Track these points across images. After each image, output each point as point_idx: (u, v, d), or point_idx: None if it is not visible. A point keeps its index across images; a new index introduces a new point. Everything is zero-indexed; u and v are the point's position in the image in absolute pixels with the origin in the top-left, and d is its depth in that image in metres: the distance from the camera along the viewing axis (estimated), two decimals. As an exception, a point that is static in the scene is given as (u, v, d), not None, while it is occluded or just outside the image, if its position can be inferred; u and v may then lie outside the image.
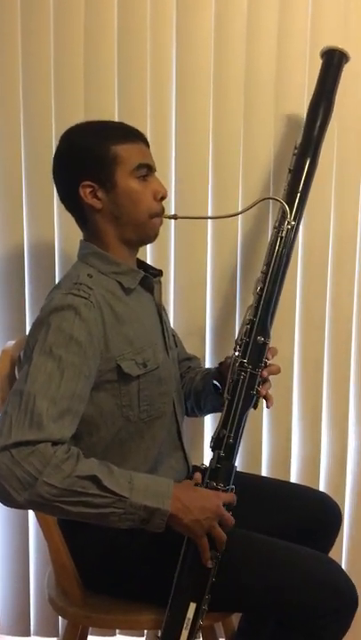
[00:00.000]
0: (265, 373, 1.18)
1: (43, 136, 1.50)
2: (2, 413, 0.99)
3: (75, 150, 1.14)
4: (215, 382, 1.29)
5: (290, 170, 1.34)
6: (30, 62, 1.49)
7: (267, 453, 1.64)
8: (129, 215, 1.14)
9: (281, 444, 1.63)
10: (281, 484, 1.44)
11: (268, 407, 1.19)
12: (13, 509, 0.98)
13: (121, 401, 1.11)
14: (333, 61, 1.39)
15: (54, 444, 0.95)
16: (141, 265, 1.25)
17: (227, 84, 1.51)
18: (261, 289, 1.20)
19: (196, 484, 1.11)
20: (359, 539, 1.66)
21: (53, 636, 1.65)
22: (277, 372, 1.21)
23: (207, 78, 1.51)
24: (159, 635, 1.08)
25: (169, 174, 1.52)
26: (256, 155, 1.53)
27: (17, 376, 1.18)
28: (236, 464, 1.15)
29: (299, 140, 1.36)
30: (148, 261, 1.52)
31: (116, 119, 1.48)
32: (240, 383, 1.15)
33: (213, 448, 1.14)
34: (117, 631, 1.65)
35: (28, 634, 1.66)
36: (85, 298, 1.06)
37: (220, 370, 1.28)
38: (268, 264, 1.22)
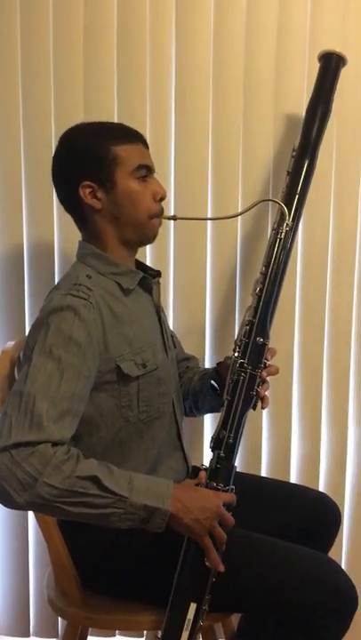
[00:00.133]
0: (264, 374, 1.18)
1: (42, 136, 1.50)
2: (2, 414, 0.99)
3: (75, 151, 1.15)
4: (213, 383, 1.29)
5: (288, 172, 1.34)
6: (30, 62, 1.49)
7: (266, 453, 1.64)
8: (128, 216, 1.14)
9: (280, 444, 1.63)
10: (280, 485, 1.44)
11: (263, 408, 1.19)
12: (13, 510, 0.98)
13: (120, 401, 1.11)
14: (331, 65, 1.39)
15: (54, 444, 0.95)
16: (140, 266, 1.25)
17: (226, 83, 1.51)
18: (261, 290, 1.20)
19: (199, 484, 1.11)
20: (359, 539, 1.66)
21: (53, 637, 1.65)
22: (276, 372, 1.21)
23: (207, 78, 1.51)
24: (159, 635, 1.08)
25: (168, 175, 1.52)
26: (256, 155, 1.53)
27: (16, 377, 1.18)
28: (236, 464, 1.15)
29: (297, 143, 1.36)
30: (148, 262, 1.53)
31: (116, 119, 1.48)
32: (240, 384, 1.15)
33: (213, 448, 1.14)
34: (117, 632, 1.65)
35: (27, 634, 1.66)
36: (85, 299, 1.06)
37: (218, 370, 1.28)
38: (267, 265, 1.22)
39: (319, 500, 1.34)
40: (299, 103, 1.51)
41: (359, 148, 1.55)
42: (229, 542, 1.05)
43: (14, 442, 0.93)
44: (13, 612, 1.65)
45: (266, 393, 1.19)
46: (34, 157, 1.52)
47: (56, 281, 1.54)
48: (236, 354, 1.17)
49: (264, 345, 1.18)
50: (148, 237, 1.20)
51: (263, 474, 1.63)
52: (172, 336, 1.36)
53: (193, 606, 1.05)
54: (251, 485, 1.29)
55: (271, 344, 1.21)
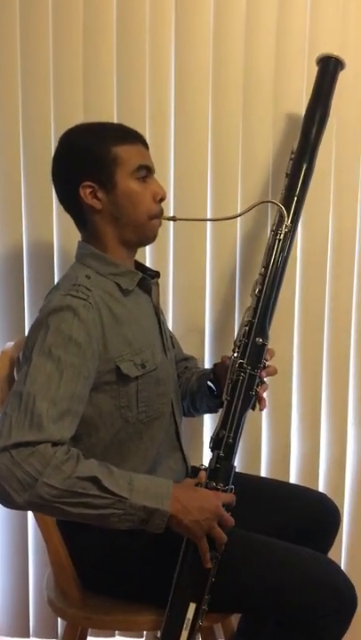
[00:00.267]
0: (263, 374, 1.18)
1: (42, 137, 1.51)
2: (1, 414, 0.99)
3: (75, 151, 1.15)
4: (209, 384, 1.29)
5: (287, 174, 1.35)
6: (29, 63, 1.49)
7: (266, 454, 1.64)
8: (128, 216, 1.15)
9: (280, 445, 1.63)
10: (280, 485, 1.44)
11: (260, 410, 1.19)
12: (13, 510, 0.98)
13: (120, 402, 1.12)
14: (329, 68, 1.40)
15: (54, 444, 0.95)
16: (139, 266, 1.25)
17: (225, 84, 1.51)
18: (260, 291, 1.20)
19: (198, 484, 1.11)
20: (358, 539, 1.66)
21: (53, 638, 1.65)
22: (274, 373, 1.22)
23: (206, 79, 1.51)
24: (159, 635, 1.08)
25: (168, 175, 1.52)
26: (255, 155, 1.53)
27: (16, 377, 1.18)
28: (236, 464, 1.15)
29: (295, 145, 1.37)
30: (147, 263, 1.53)
31: (115, 120, 1.48)
32: (239, 384, 1.15)
33: (213, 448, 1.15)
34: (116, 632, 1.65)
35: (27, 635, 1.66)
36: (84, 299, 1.06)
37: (215, 371, 1.28)
38: (266, 266, 1.22)
39: (319, 501, 1.34)
40: (298, 104, 1.51)
41: (359, 148, 1.55)
42: (229, 543, 1.05)
43: (14, 442, 0.93)
44: (13, 612, 1.65)
45: (264, 394, 1.19)
46: (33, 157, 1.52)
47: (55, 281, 1.54)
48: (235, 354, 1.17)
49: (263, 345, 1.18)
50: (148, 238, 1.20)
51: (263, 474, 1.63)
52: (170, 337, 1.36)
53: (192, 606, 1.05)
54: (250, 486, 1.29)
55: (270, 344, 1.21)
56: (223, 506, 1.06)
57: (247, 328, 1.18)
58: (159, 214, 1.18)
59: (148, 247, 1.51)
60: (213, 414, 1.43)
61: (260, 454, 1.62)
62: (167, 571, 1.08)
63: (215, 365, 1.29)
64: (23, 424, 0.94)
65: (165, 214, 1.20)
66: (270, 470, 1.64)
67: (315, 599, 1.05)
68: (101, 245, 1.17)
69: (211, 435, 1.17)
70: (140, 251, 1.25)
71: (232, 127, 1.52)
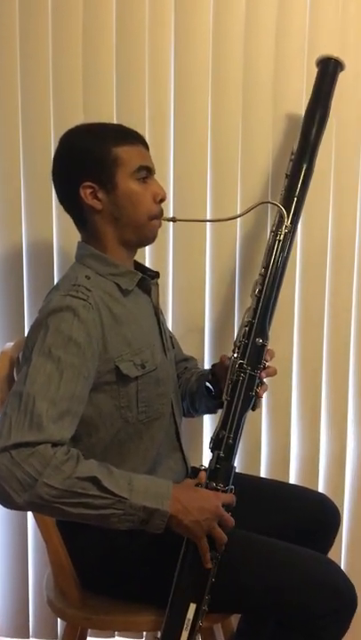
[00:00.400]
0: (263, 375, 1.18)
1: (41, 137, 1.51)
2: (1, 415, 0.99)
3: (75, 152, 1.15)
4: (208, 384, 1.29)
5: (287, 175, 1.35)
6: (29, 64, 1.50)
7: (266, 454, 1.64)
8: (129, 217, 1.15)
9: (280, 445, 1.63)
10: (280, 485, 1.44)
11: (252, 410, 1.19)
12: (12, 511, 0.98)
13: (119, 402, 1.12)
14: (329, 70, 1.40)
15: (54, 445, 0.95)
16: (139, 267, 1.25)
17: (225, 84, 1.51)
18: (260, 291, 1.20)
19: (199, 484, 1.11)
20: (358, 539, 1.66)
21: (52, 638, 1.64)
22: (274, 373, 1.22)
23: (206, 79, 1.51)
24: (158, 636, 1.08)
25: (167, 176, 1.52)
26: (255, 155, 1.53)
27: (15, 377, 1.18)
28: (235, 465, 1.15)
29: (295, 146, 1.37)
30: (147, 263, 1.53)
31: (115, 121, 1.48)
32: (239, 384, 1.15)
33: (213, 449, 1.15)
34: (116, 633, 1.64)
35: (27, 635, 1.65)
36: (84, 299, 1.06)
37: (214, 371, 1.28)
38: (266, 267, 1.23)
39: (319, 501, 1.34)
40: (298, 104, 1.51)
41: (359, 148, 1.55)
42: (229, 543, 1.05)
43: (14, 442, 0.93)
44: (13, 612, 1.65)
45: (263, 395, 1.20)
46: (33, 158, 1.52)
47: (55, 281, 1.54)
48: (235, 354, 1.17)
49: (263, 346, 1.18)
50: (148, 238, 1.20)
51: (262, 474, 1.63)
52: (170, 337, 1.36)
53: (192, 606, 1.05)
54: (250, 486, 1.30)
55: (270, 345, 1.21)
56: (223, 506, 1.06)
57: (247, 328, 1.19)
58: (159, 215, 1.18)
59: (147, 247, 1.51)
60: (213, 415, 1.43)
61: (259, 454, 1.62)
62: (167, 571, 1.08)
63: (214, 366, 1.29)
64: (23, 424, 0.94)
65: (165, 215, 1.20)
66: (270, 470, 1.64)
67: (315, 599, 1.05)
68: (101, 246, 1.17)
69: (211, 435, 1.17)
70: (139, 251, 1.26)
71: (231, 128, 1.52)
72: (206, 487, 1.11)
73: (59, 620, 1.62)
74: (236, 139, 1.52)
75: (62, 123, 1.45)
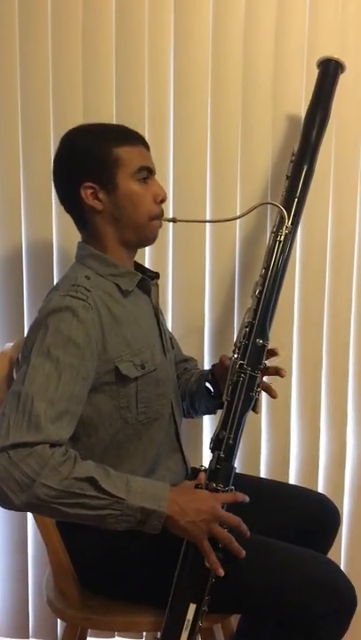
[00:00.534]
0: (272, 371, 1.19)
1: (41, 137, 1.51)
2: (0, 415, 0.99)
3: (76, 152, 1.15)
4: (207, 385, 1.29)
5: (287, 176, 1.35)
6: (28, 64, 1.50)
7: (265, 454, 1.64)
8: (129, 217, 1.15)
9: (280, 445, 1.63)
10: (280, 486, 1.44)
11: (255, 412, 1.19)
12: (12, 511, 0.98)
13: (119, 403, 1.12)
14: (329, 71, 1.40)
15: (52, 445, 0.95)
16: (139, 267, 1.25)
17: (225, 85, 1.51)
18: (260, 292, 1.20)
19: (198, 485, 1.11)
20: (358, 540, 1.66)
21: (52, 638, 1.65)
22: (275, 373, 1.22)
23: (205, 79, 1.51)
24: (158, 636, 1.08)
25: (167, 176, 1.52)
26: (254, 156, 1.53)
27: (15, 378, 1.18)
28: (235, 465, 1.15)
29: (296, 147, 1.37)
30: (147, 264, 1.53)
31: (114, 121, 1.48)
32: (239, 385, 1.15)
33: (213, 449, 1.15)
34: (116, 633, 1.64)
35: (26, 636, 1.65)
36: (83, 300, 1.06)
37: (213, 371, 1.28)
38: (266, 268, 1.22)
39: (318, 502, 1.34)
40: (297, 105, 1.51)
41: (358, 149, 1.55)
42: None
43: (12, 442, 0.93)
44: (13, 613, 1.65)
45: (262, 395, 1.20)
46: (33, 158, 1.52)
47: (55, 281, 1.54)
48: (235, 355, 1.17)
49: (264, 346, 1.18)
50: (148, 239, 1.20)
51: (262, 475, 1.63)
52: (170, 338, 1.36)
53: (192, 607, 1.05)
54: (250, 486, 1.28)
55: (271, 345, 1.21)
56: (229, 505, 1.05)
57: (247, 329, 1.19)
58: (160, 215, 1.18)
59: (147, 248, 1.51)
60: (213, 415, 1.43)
61: (259, 454, 1.62)
62: (167, 571, 1.08)
63: (213, 366, 1.29)
64: (21, 424, 0.94)
65: (165, 215, 1.20)
66: (270, 470, 1.64)
67: (314, 599, 1.05)
68: (101, 246, 1.17)
69: (211, 436, 1.17)
70: (139, 251, 1.26)
71: (231, 128, 1.52)
72: (206, 488, 1.10)
73: (58, 620, 1.62)
74: (235, 139, 1.52)
75: (62, 123, 1.46)
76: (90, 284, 1.10)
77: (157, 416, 1.18)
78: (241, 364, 1.16)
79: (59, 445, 0.96)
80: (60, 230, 1.53)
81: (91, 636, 1.53)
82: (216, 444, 1.14)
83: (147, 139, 1.19)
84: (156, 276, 1.26)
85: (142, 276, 1.20)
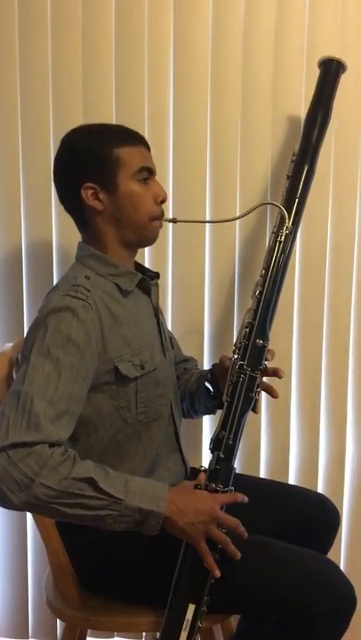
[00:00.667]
0: (270, 372, 1.19)
1: (41, 137, 1.51)
2: (-1, 414, 0.99)
3: (77, 152, 1.15)
4: (207, 384, 1.29)
5: (288, 176, 1.35)
6: (28, 64, 1.50)
7: (265, 454, 1.64)
8: (130, 218, 1.15)
9: (279, 445, 1.63)
10: (279, 486, 1.44)
11: (254, 412, 1.19)
12: (11, 511, 0.98)
13: (118, 402, 1.12)
14: (331, 71, 1.40)
15: (51, 445, 0.95)
16: (139, 267, 1.25)
17: (224, 85, 1.51)
18: (260, 292, 1.20)
19: (198, 486, 1.11)
20: (357, 540, 1.66)
21: (52, 639, 1.64)
22: (273, 374, 1.22)
23: (205, 80, 1.51)
24: (158, 636, 1.08)
25: (167, 177, 1.52)
26: (254, 156, 1.53)
27: (14, 377, 1.18)
28: (235, 466, 1.15)
29: (297, 148, 1.37)
30: (147, 264, 1.53)
31: (114, 121, 1.48)
32: (239, 385, 1.15)
33: (213, 449, 1.15)
34: (115, 633, 1.64)
35: (26, 636, 1.65)
36: (83, 300, 1.06)
37: (213, 371, 1.28)
38: (266, 268, 1.22)
39: (318, 502, 1.34)
40: (297, 105, 1.51)
41: (358, 149, 1.55)
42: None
43: (11, 442, 0.93)
44: (12, 613, 1.65)
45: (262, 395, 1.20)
46: (32, 158, 1.52)
47: (55, 281, 1.54)
48: (235, 355, 1.17)
49: (263, 347, 1.18)
50: (149, 239, 1.20)
51: (262, 475, 1.63)
52: (170, 338, 1.36)
53: (192, 607, 1.05)
54: (250, 487, 1.28)
55: (270, 346, 1.21)
56: (222, 508, 1.06)
57: (247, 329, 1.19)
58: (160, 216, 1.18)
59: (147, 248, 1.51)
60: (213, 415, 1.43)
61: (259, 455, 1.62)
62: (166, 572, 1.08)
63: (214, 366, 1.29)
64: (20, 424, 0.94)
65: (165, 216, 1.20)
66: (269, 471, 1.64)
67: (314, 599, 1.04)
68: (102, 246, 1.17)
69: (210, 436, 1.17)
70: (139, 251, 1.26)
71: (231, 128, 1.52)
72: (206, 488, 1.10)
73: (58, 620, 1.62)
74: (235, 139, 1.52)
75: (62, 123, 1.46)
76: (90, 284, 1.10)
77: (157, 416, 1.18)
78: (241, 365, 1.16)
79: (58, 445, 0.96)
80: (60, 230, 1.53)
81: (90, 637, 1.53)
82: (216, 445, 1.14)
83: (146, 139, 1.19)
84: (156, 276, 1.26)
85: (142, 276, 1.20)
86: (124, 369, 1.10)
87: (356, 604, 1.08)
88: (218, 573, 1.03)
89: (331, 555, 1.27)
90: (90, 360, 1.04)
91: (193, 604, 1.05)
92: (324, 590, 1.05)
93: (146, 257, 1.55)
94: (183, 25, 1.49)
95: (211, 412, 1.35)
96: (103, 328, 1.08)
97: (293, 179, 1.33)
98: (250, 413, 1.17)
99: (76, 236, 1.22)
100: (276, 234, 1.24)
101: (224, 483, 1.11)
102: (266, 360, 1.20)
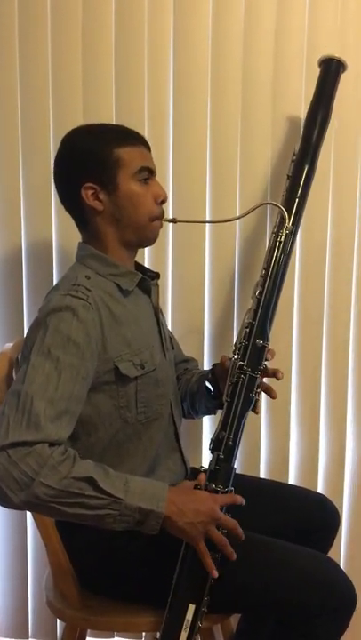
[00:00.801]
0: (270, 373, 1.19)
1: (41, 137, 1.51)
2: (-1, 414, 0.99)
3: (77, 153, 1.15)
4: (207, 384, 1.29)
5: (288, 176, 1.35)
6: (28, 64, 1.50)
7: (265, 455, 1.64)
8: (130, 218, 1.15)
9: (279, 445, 1.63)
10: (279, 486, 1.44)
11: (255, 412, 1.19)
12: (11, 511, 0.98)
13: (119, 402, 1.12)
14: (331, 70, 1.40)
15: (51, 444, 0.95)
16: (139, 267, 1.25)
17: (224, 84, 1.51)
18: (261, 292, 1.20)
19: (198, 486, 1.11)
20: (357, 539, 1.66)
21: (51, 639, 1.64)
22: (274, 375, 1.22)
23: (205, 80, 1.51)
24: (158, 637, 1.08)
25: (167, 177, 1.52)
26: (254, 156, 1.53)
27: (14, 377, 1.18)
28: (235, 466, 1.15)
29: (297, 147, 1.37)
30: (147, 264, 1.53)
31: (114, 121, 1.49)
32: (239, 386, 1.15)
33: (213, 450, 1.15)
34: (115, 633, 1.64)
35: (26, 636, 1.65)
36: (83, 299, 1.06)
37: (214, 371, 1.28)
38: (266, 268, 1.22)
39: (318, 502, 1.34)
40: (297, 105, 1.51)
41: (358, 148, 1.55)
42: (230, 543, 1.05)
43: (11, 441, 0.93)
44: (12, 613, 1.65)
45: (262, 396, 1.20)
46: (32, 159, 1.52)
47: (54, 281, 1.54)
48: (235, 356, 1.17)
49: (264, 347, 1.18)
50: (149, 239, 1.20)
51: (262, 475, 1.63)
52: (170, 338, 1.36)
53: (192, 608, 1.05)
54: (249, 487, 1.29)
55: (270, 345, 1.21)
56: (227, 507, 1.05)
57: (248, 330, 1.18)
58: (160, 216, 1.18)
59: (147, 248, 1.50)
60: (213, 416, 1.43)
61: (259, 455, 1.62)
62: (166, 572, 1.08)
63: (214, 366, 1.29)
64: (21, 424, 0.94)
65: (165, 216, 1.20)
66: (269, 471, 1.64)
67: (314, 597, 1.04)
68: (102, 246, 1.17)
69: (210, 436, 1.17)
70: (139, 251, 1.25)
71: (231, 128, 1.52)
72: (206, 489, 1.10)
73: (58, 620, 1.62)
74: (235, 139, 1.52)
75: (62, 123, 1.46)
76: (90, 284, 1.10)
77: (157, 416, 1.18)
78: (241, 365, 1.16)
79: (58, 445, 0.96)
80: (60, 230, 1.53)
81: (90, 637, 1.53)
82: (216, 445, 1.14)
83: (146, 139, 1.19)
84: (156, 275, 1.26)
85: (142, 276, 1.20)
86: (124, 368, 1.10)
87: (356, 603, 1.09)
88: (216, 574, 1.03)
89: (331, 554, 1.27)
90: (90, 360, 1.04)
91: (193, 604, 1.05)
92: (324, 589, 1.05)
93: (146, 257, 1.55)
94: (183, 25, 1.49)
95: (211, 412, 1.35)
96: (103, 328, 1.08)
97: (294, 178, 1.33)
98: (250, 413, 1.17)
99: (76, 236, 1.22)
100: (277, 234, 1.24)
101: (224, 483, 1.11)
102: (266, 360, 1.20)
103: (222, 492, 1.10)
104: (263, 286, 1.21)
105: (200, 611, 1.06)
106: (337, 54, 1.40)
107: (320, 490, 1.64)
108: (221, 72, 1.50)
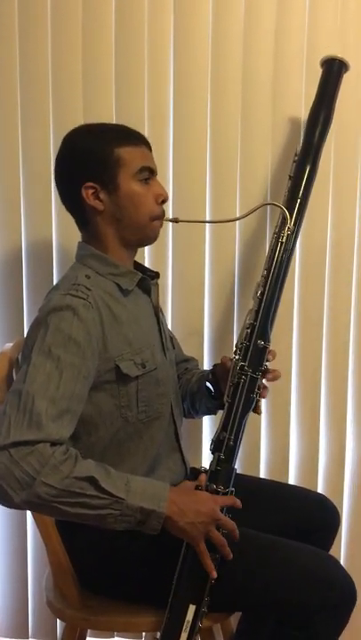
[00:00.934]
0: (270, 377, 1.19)
1: (41, 137, 1.51)
2: (0, 413, 0.99)
3: (78, 152, 1.15)
4: (208, 384, 1.29)
5: (290, 176, 1.34)
6: (28, 64, 1.50)
7: (265, 455, 1.64)
8: (130, 218, 1.15)
9: (279, 445, 1.63)
10: (280, 486, 1.44)
11: (257, 413, 1.19)
12: (11, 511, 0.98)
13: (119, 401, 1.12)
14: (333, 70, 1.40)
15: (53, 444, 0.95)
16: (139, 267, 1.25)
17: (224, 84, 1.51)
18: (262, 293, 1.20)
19: (198, 487, 1.11)
20: (357, 539, 1.66)
21: (52, 639, 1.64)
22: (276, 378, 1.22)
23: (205, 80, 1.51)
24: (158, 637, 1.08)
25: (167, 177, 1.52)
26: (254, 156, 1.53)
27: (14, 377, 1.18)
28: (235, 466, 1.15)
29: (299, 148, 1.37)
30: (146, 263, 1.53)
31: (114, 121, 1.48)
32: (240, 386, 1.15)
33: (213, 450, 1.15)
34: (115, 633, 1.64)
35: (26, 636, 1.65)
36: (84, 299, 1.06)
37: (215, 371, 1.28)
38: (268, 269, 1.22)
39: (318, 502, 1.34)
40: (297, 105, 1.51)
41: (358, 148, 1.55)
42: (229, 543, 1.05)
43: (13, 441, 0.93)
44: (12, 613, 1.65)
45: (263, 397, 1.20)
46: (32, 158, 1.52)
47: (55, 281, 1.54)
48: (236, 356, 1.17)
49: (265, 348, 1.18)
50: (149, 239, 1.20)
51: (262, 475, 1.63)
52: (171, 337, 1.36)
53: (192, 608, 1.05)
54: (250, 487, 1.29)
55: (270, 346, 1.21)
56: (226, 508, 1.05)
57: (249, 330, 1.19)
58: (161, 216, 1.18)
59: (147, 247, 1.51)
60: (213, 416, 1.43)
61: (259, 455, 1.62)
62: (166, 572, 1.08)
63: (215, 366, 1.29)
64: (22, 423, 0.94)
65: (166, 215, 1.20)
66: (269, 471, 1.64)
67: (314, 594, 1.04)
68: (102, 246, 1.17)
69: (211, 437, 1.17)
70: (139, 251, 1.26)
71: (231, 128, 1.52)
72: (206, 489, 1.10)
73: (58, 620, 1.62)
74: (235, 139, 1.52)
75: (62, 123, 1.46)
76: (90, 284, 1.10)
77: (158, 415, 1.18)
78: (242, 366, 1.16)
79: (59, 444, 0.96)
80: (60, 230, 1.53)
81: (90, 637, 1.53)
82: (217, 446, 1.14)
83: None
84: (156, 275, 1.26)
85: (142, 276, 1.20)
86: (125, 368, 1.10)
87: (355, 600, 1.09)
88: (215, 574, 1.03)
89: (331, 554, 1.27)
90: (91, 359, 1.04)
91: (193, 604, 1.05)
92: (324, 586, 1.05)
93: (146, 257, 1.55)
94: (183, 25, 1.49)
95: (212, 412, 1.35)
96: (104, 327, 1.08)
97: (295, 179, 1.33)
98: (250, 414, 1.17)
99: (76, 236, 1.22)
100: (278, 234, 1.24)
101: (225, 484, 1.11)
102: (267, 361, 1.20)
103: (223, 493, 1.10)
104: (265, 287, 1.21)
105: (200, 611, 1.06)
106: (337, 54, 1.40)
107: (320, 490, 1.64)
108: (221, 72, 1.51)
